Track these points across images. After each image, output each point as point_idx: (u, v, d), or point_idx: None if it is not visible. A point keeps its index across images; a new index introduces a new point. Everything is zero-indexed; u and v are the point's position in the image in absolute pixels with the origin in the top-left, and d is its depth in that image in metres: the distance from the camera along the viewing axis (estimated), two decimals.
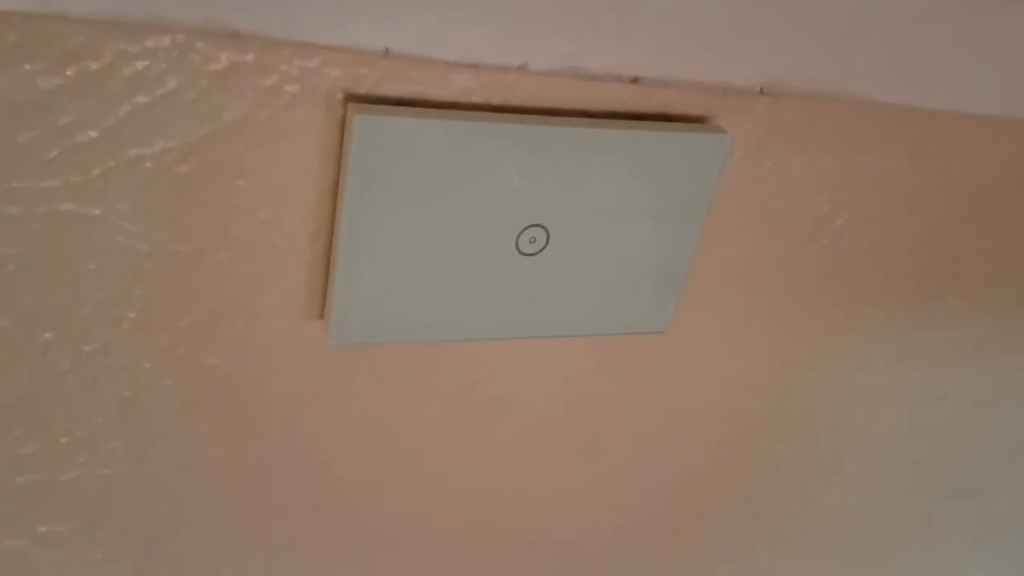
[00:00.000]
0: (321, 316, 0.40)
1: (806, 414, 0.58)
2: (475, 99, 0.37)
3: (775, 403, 0.56)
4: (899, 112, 0.46)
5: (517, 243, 0.40)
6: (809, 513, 0.65)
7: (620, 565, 0.60)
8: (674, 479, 0.57)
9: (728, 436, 0.57)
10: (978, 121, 0.49)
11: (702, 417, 0.54)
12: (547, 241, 0.40)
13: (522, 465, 0.51)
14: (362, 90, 0.35)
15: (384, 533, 0.50)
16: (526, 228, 0.39)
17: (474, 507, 0.51)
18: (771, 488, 0.62)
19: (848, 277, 0.52)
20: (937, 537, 0.74)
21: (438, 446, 0.48)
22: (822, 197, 0.47)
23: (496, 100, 0.38)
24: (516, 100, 0.38)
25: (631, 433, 0.53)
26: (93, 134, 0.33)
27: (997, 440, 0.69)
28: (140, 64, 0.32)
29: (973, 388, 0.64)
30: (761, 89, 0.40)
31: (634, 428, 0.53)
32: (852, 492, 0.66)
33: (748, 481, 0.60)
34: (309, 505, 0.47)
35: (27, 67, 0.31)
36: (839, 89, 0.41)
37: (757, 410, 0.56)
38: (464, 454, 0.49)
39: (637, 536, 0.59)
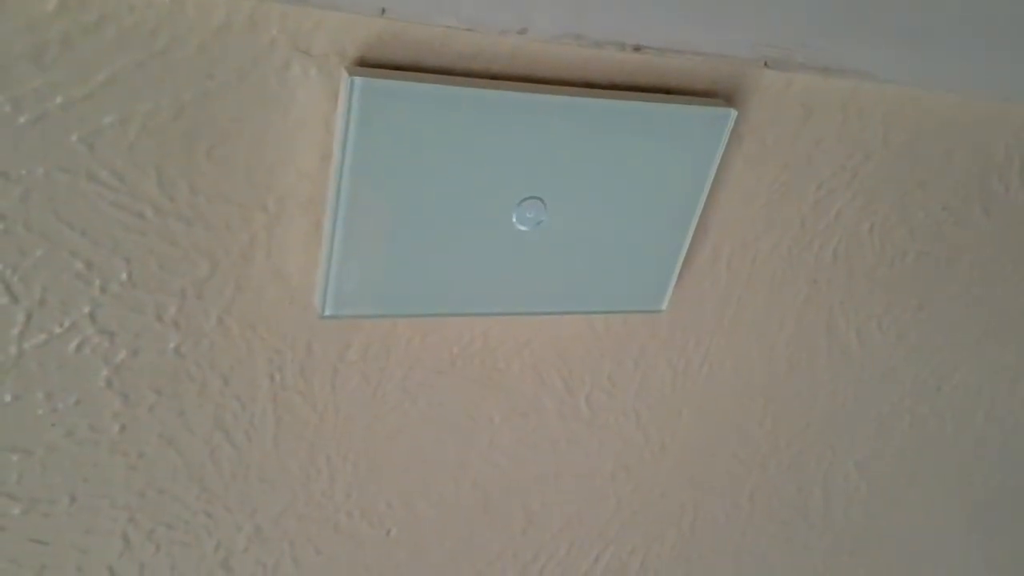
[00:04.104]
0: (313, 286, 0.40)
1: (803, 395, 0.58)
2: (474, 66, 0.36)
3: (773, 383, 0.56)
4: (905, 90, 0.46)
5: (514, 215, 0.39)
6: (804, 495, 0.65)
7: (618, 541, 0.59)
8: (671, 456, 0.56)
9: (725, 416, 0.56)
10: (984, 103, 0.48)
11: (700, 395, 0.54)
12: (545, 214, 0.39)
13: (517, 442, 0.50)
14: (358, 53, 0.35)
15: (376, 509, 0.49)
16: (524, 200, 0.39)
17: (468, 482, 0.51)
18: (767, 468, 0.61)
19: (849, 257, 0.51)
20: (932, 524, 0.74)
21: (431, 421, 0.47)
22: (825, 176, 0.47)
23: (496, 68, 0.37)
24: (516, 68, 0.37)
25: (628, 410, 0.52)
26: (85, 90, 0.32)
27: (993, 429, 0.69)
28: (132, 19, 0.31)
29: (971, 376, 0.63)
30: (766, 63, 0.39)
31: (632, 405, 0.52)
32: (848, 478, 0.65)
33: (744, 461, 0.60)
34: (297, 481, 0.46)
35: (15, 23, 0.30)
36: (844, 65, 0.41)
37: (755, 390, 0.56)
38: (458, 429, 0.48)
39: (634, 513, 0.58)
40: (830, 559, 0.71)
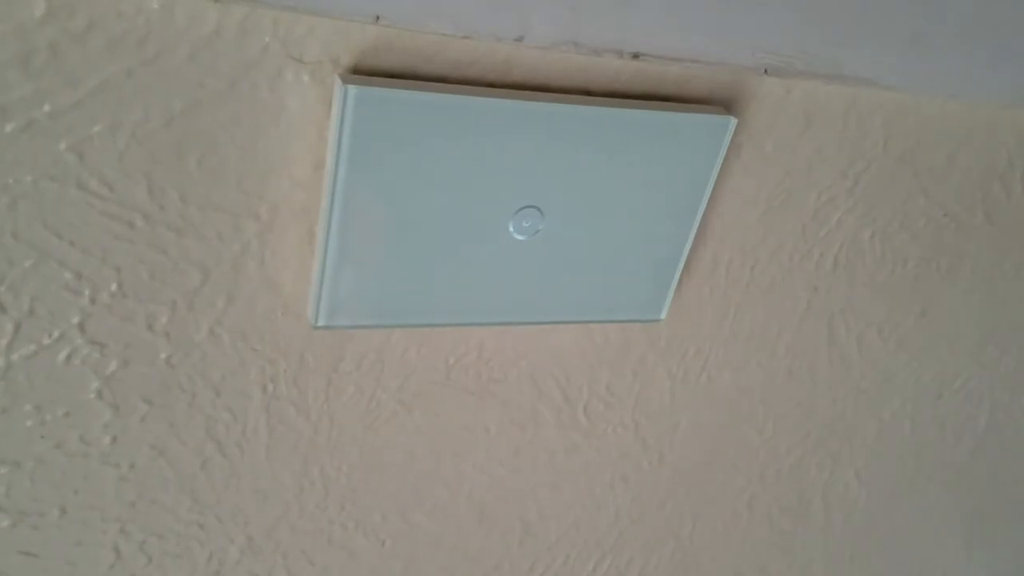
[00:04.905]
0: (306, 296, 0.39)
1: (803, 403, 0.57)
2: (470, 74, 0.36)
3: (772, 391, 0.55)
4: (905, 96, 0.45)
5: (511, 225, 0.38)
6: (804, 504, 0.64)
7: (616, 551, 0.59)
8: (670, 465, 0.56)
9: (724, 425, 0.55)
10: (986, 108, 0.47)
11: (699, 404, 0.53)
12: (542, 223, 0.39)
13: (514, 452, 0.50)
14: (352, 61, 0.34)
15: (370, 520, 0.49)
16: (521, 209, 0.38)
17: (464, 493, 0.50)
18: (767, 477, 0.61)
19: (849, 265, 0.51)
20: (933, 532, 0.73)
21: (427, 432, 0.46)
22: (825, 183, 0.46)
23: (492, 76, 0.36)
24: (513, 76, 0.37)
25: (627, 420, 0.52)
26: (73, 98, 0.31)
27: (994, 436, 0.68)
28: (121, 27, 0.31)
29: (972, 383, 0.63)
30: (766, 70, 0.39)
31: (630, 415, 0.51)
32: (848, 486, 0.65)
33: (743, 470, 0.59)
34: (291, 492, 0.45)
35: (1, 29, 0.29)
36: (844, 72, 0.40)
37: (755, 398, 0.55)
38: (454, 440, 0.48)
39: (632, 523, 0.58)
40: (830, 568, 0.71)
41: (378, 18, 0.32)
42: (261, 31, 0.32)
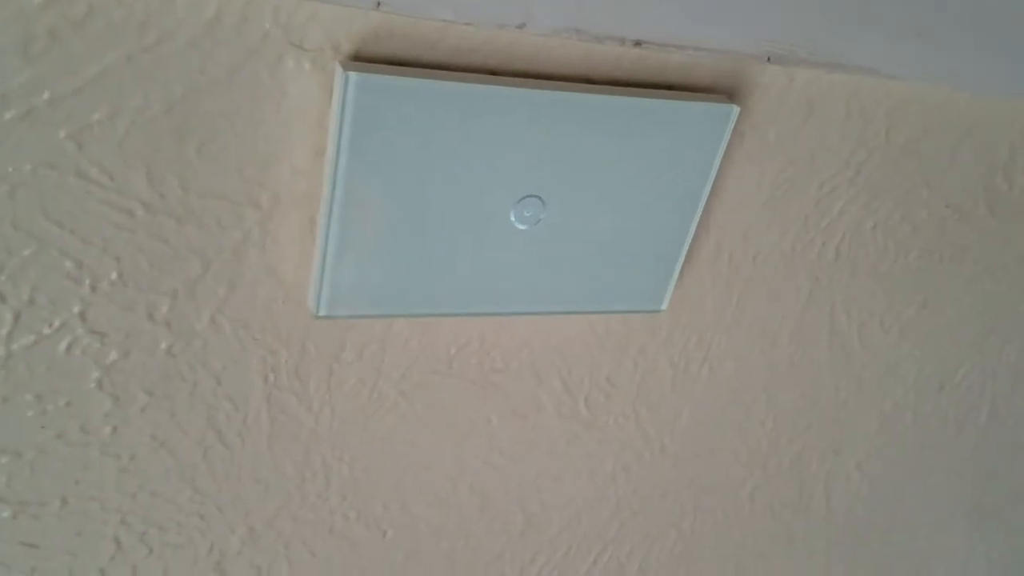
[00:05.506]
0: (308, 285, 0.39)
1: (805, 394, 0.57)
2: (472, 61, 0.36)
3: (774, 382, 0.55)
4: (909, 86, 0.45)
5: (512, 214, 0.38)
6: (805, 495, 0.64)
7: (617, 542, 0.59)
8: (671, 456, 0.56)
9: (726, 415, 0.55)
10: (989, 100, 0.47)
11: (700, 395, 0.53)
12: (543, 213, 0.39)
13: (515, 443, 0.50)
14: (352, 47, 0.34)
15: (372, 511, 0.49)
16: (522, 198, 0.38)
17: (466, 484, 0.50)
18: (768, 468, 0.60)
19: (851, 255, 0.51)
20: (934, 523, 0.73)
21: (428, 422, 0.46)
22: (828, 173, 0.46)
23: (494, 62, 0.36)
24: (515, 64, 0.37)
25: (628, 411, 0.52)
26: (73, 85, 0.31)
27: (996, 428, 0.68)
28: (121, 13, 0.30)
29: (974, 375, 0.63)
30: (768, 58, 0.38)
31: (631, 406, 0.51)
32: (850, 477, 0.65)
33: (745, 461, 0.59)
34: (292, 482, 0.45)
35: (1, 15, 0.29)
36: (848, 60, 0.40)
37: (756, 389, 0.55)
38: (455, 431, 0.48)
39: (633, 514, 0.58)
40: (832, 559, 0.71)
41: (379, 4, 0.32)
42: (262, 18, 0.32)
